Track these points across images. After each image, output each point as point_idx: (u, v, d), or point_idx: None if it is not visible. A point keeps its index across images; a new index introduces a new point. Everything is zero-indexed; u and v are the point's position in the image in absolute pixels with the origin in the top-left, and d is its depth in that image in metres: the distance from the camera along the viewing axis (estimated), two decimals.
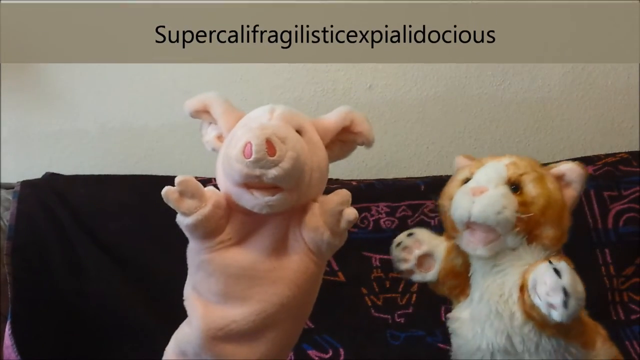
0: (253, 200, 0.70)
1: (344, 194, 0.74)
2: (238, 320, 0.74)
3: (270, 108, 0.75)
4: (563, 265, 0.69)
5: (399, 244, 0.85)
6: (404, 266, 0.85)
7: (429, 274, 0.85)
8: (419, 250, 0.84)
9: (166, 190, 0.70)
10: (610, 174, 1.16)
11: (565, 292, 0.67)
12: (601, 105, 1.34)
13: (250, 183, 0.69)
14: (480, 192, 0.75)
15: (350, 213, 0.73)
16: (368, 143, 0.79)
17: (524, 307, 0.74)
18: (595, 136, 1.34)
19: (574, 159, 1.20)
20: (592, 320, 0.82)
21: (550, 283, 0.68)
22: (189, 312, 0.78)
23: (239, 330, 0.74)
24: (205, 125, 0.80)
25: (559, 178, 0.78)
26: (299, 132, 0.73)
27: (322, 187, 0.77)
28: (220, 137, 0.78)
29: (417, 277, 0.85)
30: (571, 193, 0.77)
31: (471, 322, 0.80)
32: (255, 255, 0.74)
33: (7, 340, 0.99)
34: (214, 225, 0.73)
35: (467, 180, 0.79)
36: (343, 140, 0.79)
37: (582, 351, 0.76)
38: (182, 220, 0.72)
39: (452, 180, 0.83)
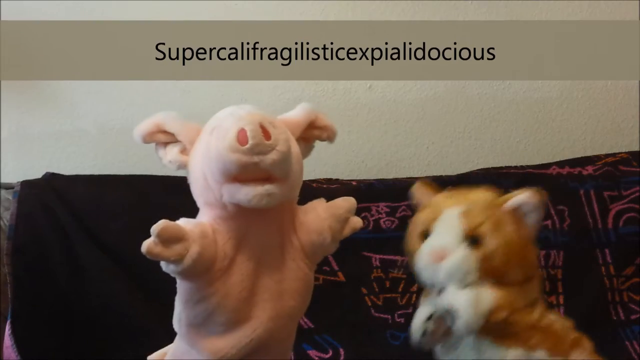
0: (251, 192, 0.65)
1: (352, 201, 0.74)
2: (247, 343, 0.71)
3: (238, 107, 0.71)
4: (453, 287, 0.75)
5: (424, 333, 0.81)
6: (430, 345, 0.82)
7: (451, 337, 0.82)
8: (443, 326, 0.80)
9: (147, 247, 0.63)
10: (610, 174, 1.16)
11: (453, 309, 0.74)
12: (601, 105, 1.34)
13: (242, 176, 0.65)
14: (441, 258, 0.75)
15: (357, 221, 0.74)
16: (333, 136, 0.77)
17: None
18: (595, 136, 1.34)
19: (574, 159, 1.20)
20: (577, 333, 0.81)
21: (443, 307, 0.76)
22: (189, 348, 0.74)
23: (248, 350, 0.72)
24: (160, 148, 0.75)
25: (516, 211, 0.77)
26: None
27: (300, 183, 0.74)
28: (184, 151, 0.73)
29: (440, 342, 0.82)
30: (530, 222, 0.77)
31: (447, 349, 0.81)
32: (256, 271, 0.71)
33: (7, 340, 0.99)
34: (210, 257, 0.68)
35: (425, 233, 0.79)
36: (305, 138, 0.76)
37: (551, 357, 0.76)
38: (174, 269, 0.66)
39: (411, 232, 0.82)
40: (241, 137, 0.63)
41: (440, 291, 0.77)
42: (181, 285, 0.71)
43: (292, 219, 0.74)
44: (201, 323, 0.71)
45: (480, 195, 0.80)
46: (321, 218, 0.72)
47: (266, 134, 0.64)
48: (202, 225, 0.69)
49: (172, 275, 0.68)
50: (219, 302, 0.69)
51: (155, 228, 0.63)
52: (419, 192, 0.86)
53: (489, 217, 0.76)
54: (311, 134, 0.76)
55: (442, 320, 0.79)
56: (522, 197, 0.77)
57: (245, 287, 0.70)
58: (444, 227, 0.77)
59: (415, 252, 0.80)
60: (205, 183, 0.69)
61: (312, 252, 0.74)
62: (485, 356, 0.77)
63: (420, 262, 0.78)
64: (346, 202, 0.73)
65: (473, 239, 0.75)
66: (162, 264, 0.67)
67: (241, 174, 0.65)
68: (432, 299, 0.80)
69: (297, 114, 0.75)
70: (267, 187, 0.65)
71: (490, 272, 0.75)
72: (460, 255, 0.75)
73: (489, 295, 0.74)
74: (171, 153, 0.74)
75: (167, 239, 0.64)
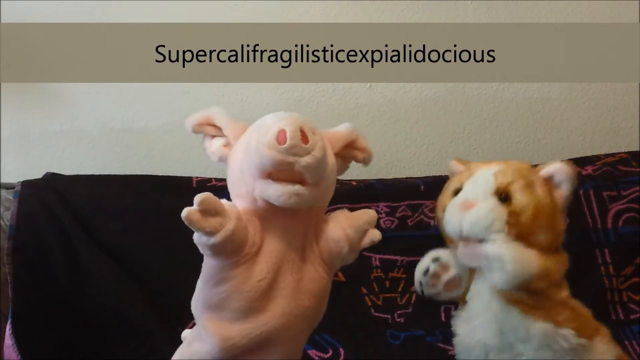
0: (281, 189, 0.68)
1: (372, 214, 0.76)
2: (257, 334, 0.72)
3: (284, 112, 0.74)
4: (499, 239, 0.74)
5: (426, 272, 0.83)
6: (431, 291, 0.84)
7: (455, 293, 0.83)
8: (446, 274, 0.82)
9: (187, 212, 0.66)
10: (610, 174, 1.16)
11: (500, 259, 0.72)
12: (601, 105, 1.34)
13: (276, 174, 0.69)
14: (469, 207, 0.76)
15: (376, 234, 0.75)
16: (369, 159, 0.81)
17: (507, 295, 0.76)
18: (594, 136, 1.34)
19: (573, 159, 1.20)
20: (595, 321, 0.82)
21: (487, 255, 0.73)
22: (200, 331, 0.75)
23: (256, 344, 0.72)
24: (207, 139, 0.79)
25: (548, 180, 0.78)
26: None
27: (332, 194, 0.77)
28: (227, 146, 0.77)
29: (444, 296, 0.84)
30: (562, 193, 0.78)
31: (466, 319, 0.82)
32: (279, 266, 0.73)
33: (8, 339, 0.99)
34: (241, 239, 0.71)
35: (458, 191, 0.80)
36: (343, 156, 0.80)
37: (577, 338, 0.76)
38: (206, 241, 0.68)
39: (445, 190, 0.84)
40: (280, 136, 0.67)
41: (465, 242, 0.78)
42: (206, 264, 0.73)
43: (317, 226, 0.76)
44: (217, 305, 0.73)
45: (517, 162, 0.82)
46: (341, 227, 0.75)
47: (304, 137, 0.68)
48: (239, 210, 0.72)
49: (202, 249, 0.71)
50: (237, 287, 0.71)
51: (198, 197, 0.67)
52: (454, 165, 0.87)
53: (522, 177, 0.77)
54: (349, 153, 0.80)
55: (447, 268, 0.81)
56: (555, 166, 0.78)
57: (266, 279, 0.72)
58: (477, 183, 0.79)
59: (445, 208, 0.80)
60: (240, 176, 0.72)
61: (329, 260, 0.76)
62: (509, 326, 0.76)
63: (448, 212, 0.79)
64: (366, 214, 0.76)
65: (503, 196, 0.76)
66: (195, 236, 0.69)
67: (275, 172, 0.69)
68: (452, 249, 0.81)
69: (339, 130, 0.79)
70: (297, 188, 0.69)
71: (517, 228, 0.75)
72: (488, 205, 0.75)
73: (535, 259, 0.73)
74: (215, 145, 0.78)
75: (206, 210, 0.67)
